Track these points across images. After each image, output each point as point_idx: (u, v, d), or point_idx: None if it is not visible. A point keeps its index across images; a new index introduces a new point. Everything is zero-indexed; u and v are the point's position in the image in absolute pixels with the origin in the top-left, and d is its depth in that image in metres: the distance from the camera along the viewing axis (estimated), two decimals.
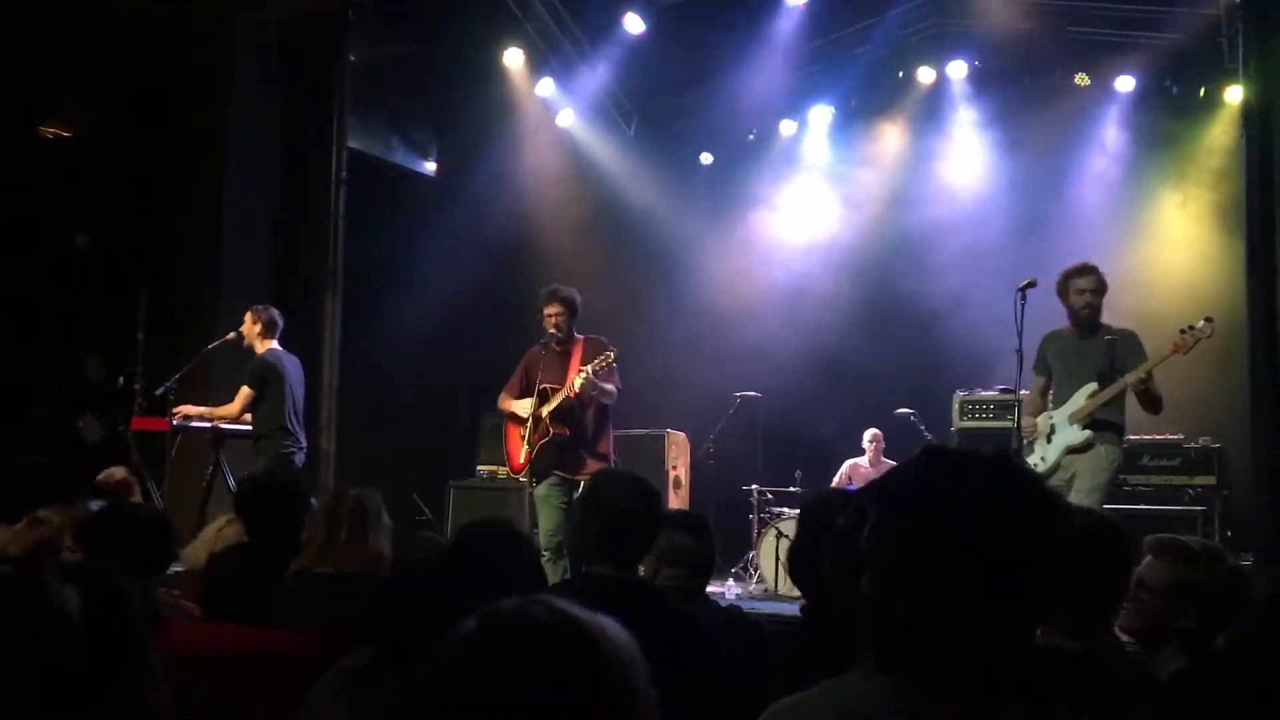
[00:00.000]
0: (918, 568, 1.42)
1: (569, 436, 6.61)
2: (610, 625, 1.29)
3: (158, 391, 7.43)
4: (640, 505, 3.15)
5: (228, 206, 8.83)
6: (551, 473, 6.64)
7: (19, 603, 1.73)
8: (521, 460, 6.74)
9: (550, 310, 6.66)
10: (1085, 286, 5.98)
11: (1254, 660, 1.30)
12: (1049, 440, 6.06)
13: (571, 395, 6.51)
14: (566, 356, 6.69)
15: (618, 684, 1.24)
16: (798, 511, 2.96)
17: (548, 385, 6.63)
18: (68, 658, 1.71)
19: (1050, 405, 6.25)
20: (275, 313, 7.59)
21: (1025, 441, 6.18)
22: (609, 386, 6.60)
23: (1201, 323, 5.75)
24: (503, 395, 6.95)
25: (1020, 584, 1.42)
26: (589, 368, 6.43)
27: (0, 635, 1.69)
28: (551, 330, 6.67)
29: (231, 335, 7.59)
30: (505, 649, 1.24)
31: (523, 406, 6.71)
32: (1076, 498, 5.77)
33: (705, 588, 3.69)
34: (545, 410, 6.60)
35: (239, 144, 8.87)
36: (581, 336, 6.78)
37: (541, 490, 6.68)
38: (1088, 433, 5.92)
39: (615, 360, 6.54)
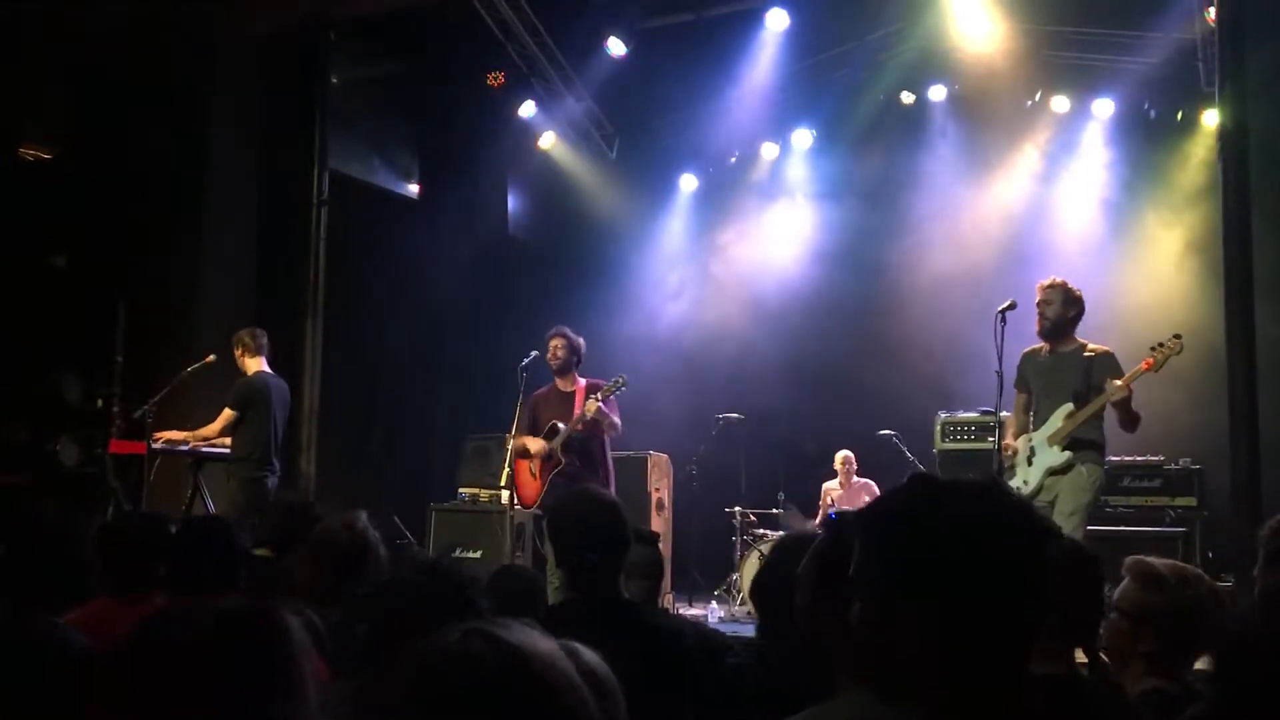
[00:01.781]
0: (908, 597, 1.41)
1: (578, 468, 6.89)
2: (552, 654, 1.24)
3: (136, 414, 7.36)
4: (599, 519, 3.12)
5: (208, 228, 8.80)
6: None
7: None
8: (533, 493, 7.07)
9: (553, 344, 7.11)
10: (1042, 299, 6.10)
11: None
12: (1030, 463, 6.07)
13: (584, 423, 6.82)
14: (570, 398, 7.01)
15: (557, 712, 1.20)
16: (776, 542, 2.93)
17: (556, 421, 6.99)
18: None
19: (1031, 424, 6.26)
20: (259, 333, 7.54)
21: (1006, 465, 6.19)
22: (616, 419, 6.96)
23: (1171, 339, 5.81)
24: (509, 436, 7.32)
25: (1014, 609, 1.41)
26: (599, 394, 6.79)
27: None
28: (549, 358, 7.08)
29: (212, 357, 7.54)
30: (441, 681, 1.20)
31: (533, 442, 7.06)
32: (1059, 519, 5.77)
33: (659, 595, 3.75)
34: (556, 442, 6.94)
35: (219, 164, 8.85)
36: (585, 380, 7.08)
37: None
38: (1067, 454, 5.93)
39: (625, 385, 6.92)
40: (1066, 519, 5.76)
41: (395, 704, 1.21)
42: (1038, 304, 6.11)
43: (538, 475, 7.05)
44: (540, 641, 1.24)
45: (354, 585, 3.37)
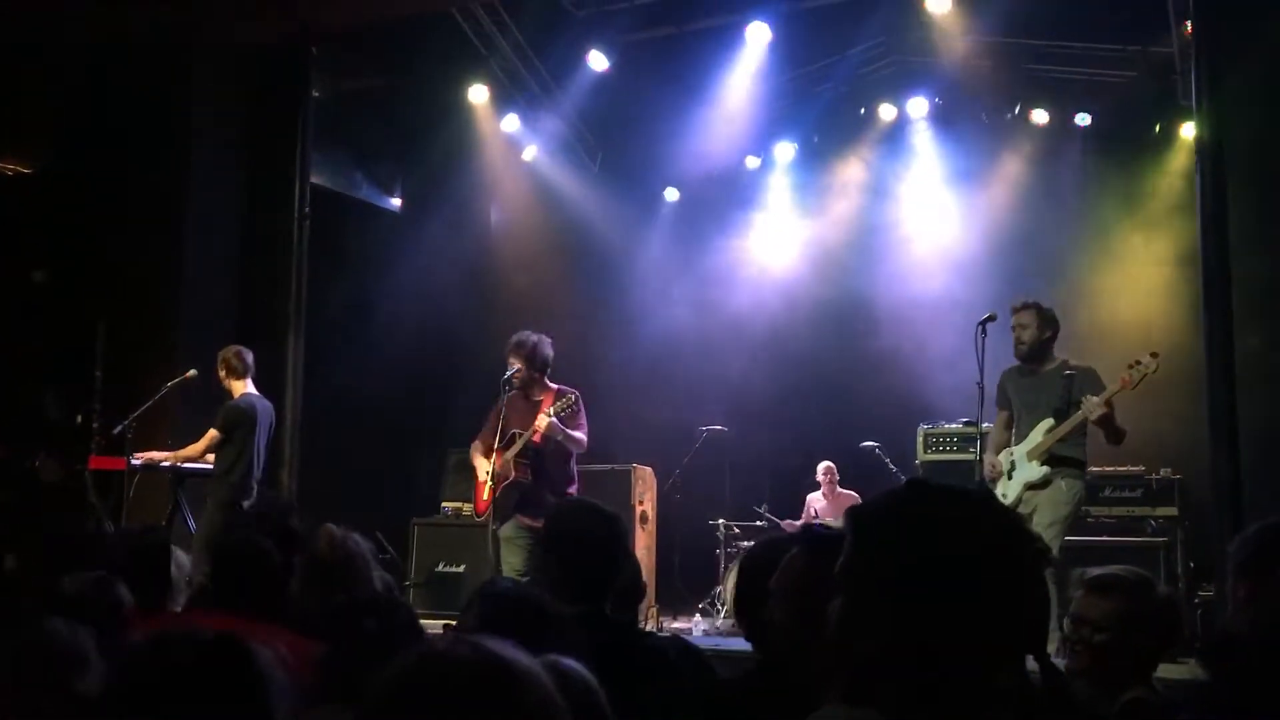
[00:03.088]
0: (889, 596, 1.41)
1: (531, 480, 6.63)
2: (529, 667, 1.26)
3: (115, 430, 7.32)
4: (601, 532, 3.10)
5: (189, 242, 8.76)
6: (514, 515, 6.64)
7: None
8: (484, 502, 6.75)
9: (509, 361, 6.75)
10: (1016, 323, 6.13)
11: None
12: (1010, 477, 6.10)
13: (535, 438, 6.54)
14: (536, 405, 6.74)
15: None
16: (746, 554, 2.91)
17: (515, 430, 6.69)
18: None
19: (1013, 440, 6.29)
20: (245, 353, 7.51)
21: (988, 480, 6.21)
22: (577, 435, 6.65)
23: (1147, 358, 5.84)
24: (475, 442, 6.97)
25: (993, 614, 1.41)
26: (552, 410, 6.51)
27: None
28: (511, 374, 6.73)
29: (192, 372, 7.51)
30: (425, 689, 1.22)
31: (481, 465, 6.77)
32: (1035, 530, 5.79)
33: (638, 615, 3.72)
34: (510, 453, 6.63)
35: (201, 179, 8.81)
36: (555, 387, 6.81)
37: (507, 530, 6.67)
38: (1046, 469, 5.96)
39: (577, 402, 6.62)
40: (1044, 531, 5.79)
41: (384, 701, 1.24)
42: (1013, 328, 6.12)
43: (491, 483, 6.72)
44: (522, 655, 1.27)
45: (342, 597, 3.34)
